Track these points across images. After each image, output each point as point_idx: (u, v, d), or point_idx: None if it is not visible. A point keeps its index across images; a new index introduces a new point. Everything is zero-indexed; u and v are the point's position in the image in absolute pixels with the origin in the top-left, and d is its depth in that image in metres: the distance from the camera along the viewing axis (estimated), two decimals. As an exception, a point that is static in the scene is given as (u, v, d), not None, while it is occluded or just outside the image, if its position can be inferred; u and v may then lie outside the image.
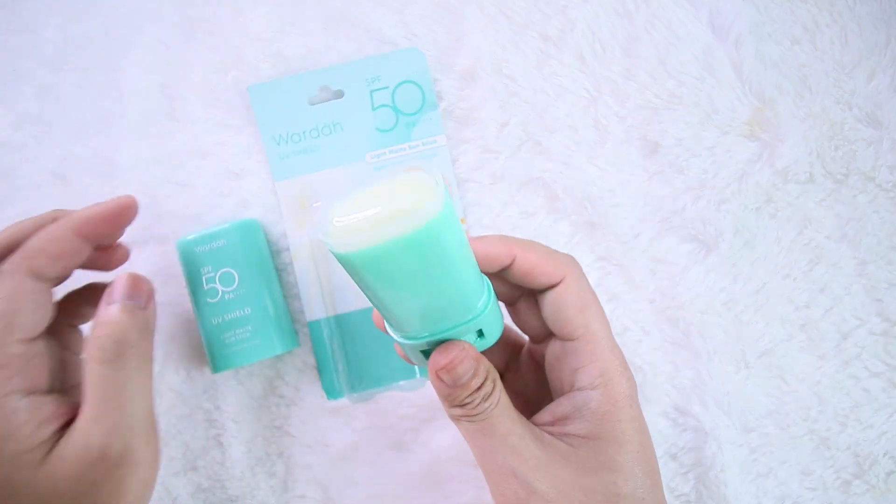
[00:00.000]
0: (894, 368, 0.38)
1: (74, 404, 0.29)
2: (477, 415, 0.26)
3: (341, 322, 0.38)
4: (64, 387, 0.30)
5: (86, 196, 0.38)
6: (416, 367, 0.27)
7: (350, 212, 0.20)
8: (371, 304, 0.24)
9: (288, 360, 0.38)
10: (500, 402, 0.26)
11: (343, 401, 0.38)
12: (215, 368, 0.35)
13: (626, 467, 0.26)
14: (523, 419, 0.27)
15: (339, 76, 0.37)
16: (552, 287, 0.28)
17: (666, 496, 0.30)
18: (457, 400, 0.26)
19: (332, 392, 0.38)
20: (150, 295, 0.31)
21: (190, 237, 0.35)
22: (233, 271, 0.35)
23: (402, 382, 0.38)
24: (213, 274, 0.35)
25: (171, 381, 0.38)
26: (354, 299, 0.38)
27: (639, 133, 0.38)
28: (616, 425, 0.26)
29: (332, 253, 0.20)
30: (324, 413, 0.38)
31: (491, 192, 0.38)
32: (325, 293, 0.38)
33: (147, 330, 0.30)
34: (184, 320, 0.38)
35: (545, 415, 0.28)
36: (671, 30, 0.38)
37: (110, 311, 0.29)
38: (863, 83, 0.38)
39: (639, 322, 0.38)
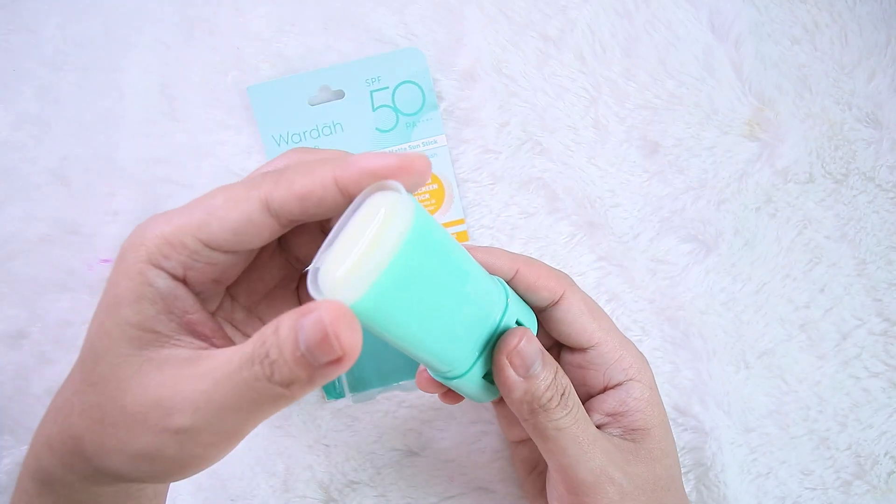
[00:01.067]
0: (894, 368, 0.38)
1: (215, 342, 0.24)
2: (567, 414, 0.26)
3: (341, 322, 0.38)
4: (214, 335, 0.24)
5: (86, 196, 0.38)
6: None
7: (335, 265, 0.20)
8: (408, 355, 0.24)
9: (288, 360, 0.38)
10: (579, 403, 0.27)
11: (344, 401, 0.38)
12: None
13: (672, 448, 0.29)
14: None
15: (339, 76, 0.37)
16: (554, 304, 0.29)
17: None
18: (535, 399, 0.26)
19: (332, 392, 0.38)
20: (331, 371, 0.20)
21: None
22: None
23: (402, 383, 0.38)
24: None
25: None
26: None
27: (639, 133, 0.38)
28: (657, 408, 0.29)
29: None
30: (324, 413, 0.38)
31: (491, 192, 0.38)
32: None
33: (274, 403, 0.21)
34: (184, 320, 0.38)
35: (592, 416, 0.29)
36: (671, 30, 0.38)
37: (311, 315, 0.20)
38: (863, 83, 0.38)
39: (639, 322, 0.38)
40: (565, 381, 0.27)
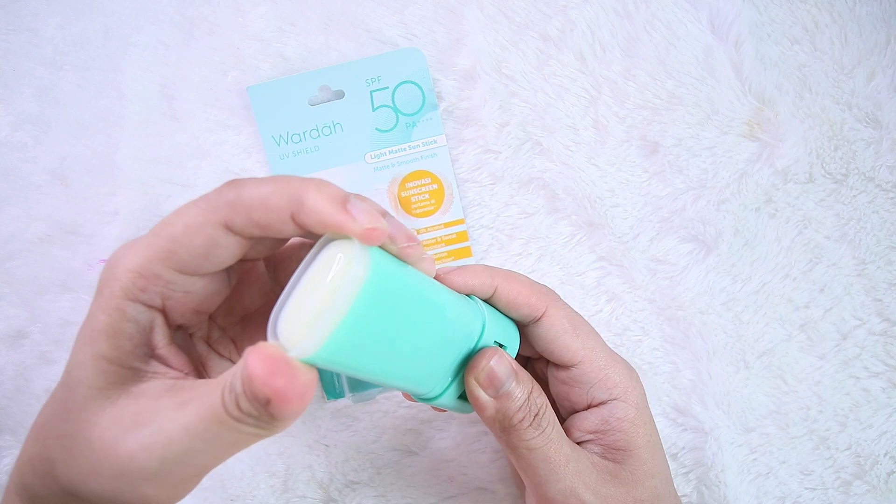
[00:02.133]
0: (894, 368, 0.38)
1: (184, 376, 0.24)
2: (539, 435, 0.26)
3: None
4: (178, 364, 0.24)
5: (85, 196, 0.38)
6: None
7: (293, 316, 0.21)
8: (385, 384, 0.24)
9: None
10: (556, 422, 0.27)
11: (343, 401, 0.38)
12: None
13: (659, 468, 0.28)
14: (570, 441, 0.27)
15: (339, 76, 0.37)
16: (536, 320, 0.28)
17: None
18: (506, 419, 0.26)
19: (332, 392, 0.38)
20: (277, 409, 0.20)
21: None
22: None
23: (402, 382, 0.38)
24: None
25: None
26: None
27: (639, 133, 0.38)
28: (644, 429, 0.28)
29: (302, 361, 0.20)
30: (324, 413, 0.38)
31: (491, 192, 0.38)
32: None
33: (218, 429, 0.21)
34: (184, 320, 0.38)
35: (573, 433, 0.29)
36: (671, 30, 0.38)
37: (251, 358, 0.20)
38: (863, 83, 0.38)
39: (639, 322, 0.38)
40: (541, 400, 0.26)
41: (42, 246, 0.38)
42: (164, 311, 0.23)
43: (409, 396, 0.28)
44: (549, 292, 0.29)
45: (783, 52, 0.38)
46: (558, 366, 0.29)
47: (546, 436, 0.26)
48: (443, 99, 0.38)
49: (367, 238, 0.21)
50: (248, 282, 0.27)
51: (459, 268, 0.27)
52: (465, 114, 0.38)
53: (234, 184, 0.22)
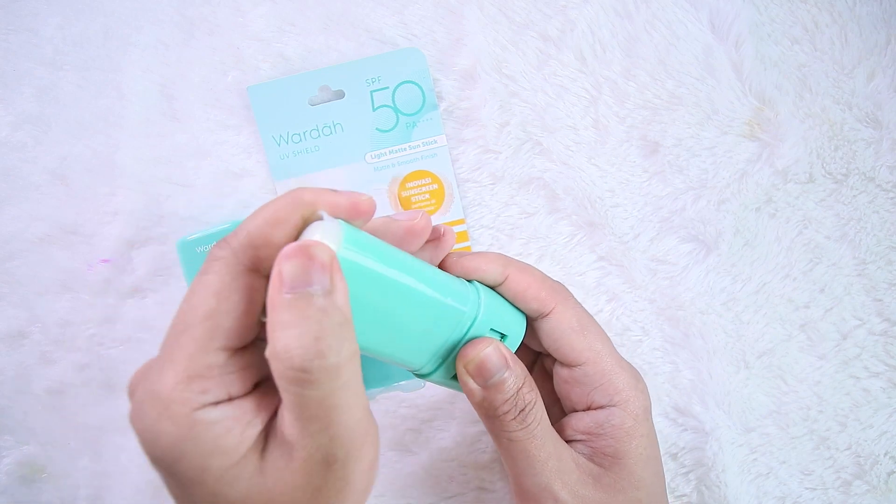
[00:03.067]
0: (894, 368, 0.38)
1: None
2: (522, 430, 0.26)
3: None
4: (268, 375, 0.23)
5: (86, 196, 0.38)
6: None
7: None
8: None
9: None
10: (543, 419, 0.26)
11: (343, 401, 0.38)
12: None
13: (647, 482, 0.27)
14: (558, 438, 0.27)
15: (339, 76, 0.37)
16: (544, 316, 0.28)
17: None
18: (491, 409, 0.26)
19: (332, 392, 0.38)
20: (332, 266, 0.20)
21: (190, 237, 0.35)
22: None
23: (402, 383, 0.38)
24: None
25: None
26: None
27: (639, 133, 0.38)
28: (639, 441, 0.27)
29: None
30: (324, 413, 0.38)
31: (491, 192, 0.38)
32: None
33: (338, 327, 0.20)
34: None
35: (566, 430, 0.29)
36: (671, 30, 0.38)
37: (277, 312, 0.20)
38: (863, 83, 0.38)
39: (639, 322, 0.38)
40: (530, 396, 0.26)
41: (42, 246, 0.38)
42: (229, 399, 0.21)
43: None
44: (562, 289, 0.29)
45: (783, 52, 0.38)
46: (563, 364, 0.29)
47: (529, 431, 0.26)
48: (443, 99, 0.38)
49: (356, 210, 0.22)
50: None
51: (474, 252, 0.27)
52: (465, 114, 0.38)
53: (227, 237, 0.21)
